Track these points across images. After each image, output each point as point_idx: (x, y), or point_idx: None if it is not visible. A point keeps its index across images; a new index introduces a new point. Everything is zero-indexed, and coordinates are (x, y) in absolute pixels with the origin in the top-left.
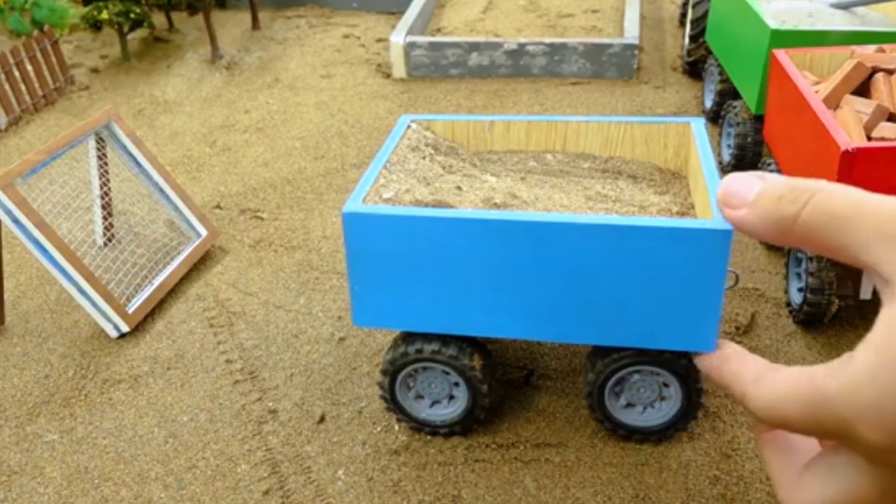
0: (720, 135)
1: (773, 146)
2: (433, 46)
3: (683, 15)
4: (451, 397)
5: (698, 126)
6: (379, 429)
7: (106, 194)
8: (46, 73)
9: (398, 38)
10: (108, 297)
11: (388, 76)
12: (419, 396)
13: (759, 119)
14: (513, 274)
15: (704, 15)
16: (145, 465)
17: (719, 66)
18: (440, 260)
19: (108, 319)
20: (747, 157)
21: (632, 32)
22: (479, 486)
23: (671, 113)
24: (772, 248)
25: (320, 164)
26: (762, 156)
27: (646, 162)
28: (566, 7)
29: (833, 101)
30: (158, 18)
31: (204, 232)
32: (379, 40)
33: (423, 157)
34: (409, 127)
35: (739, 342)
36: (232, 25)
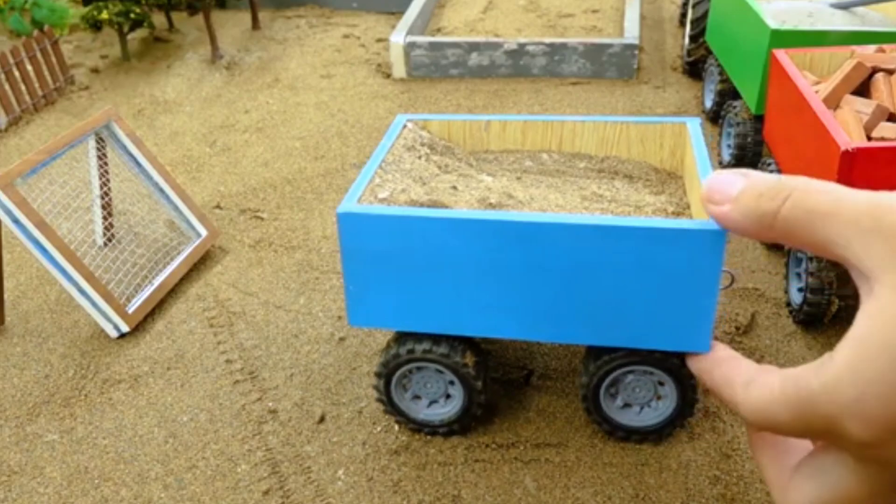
0: (720, 135)
1: (773, 146)
2: (433, 46)
3: (683, 15)
4: (448, 396)
5: (694, 126)
6: (379, 429)
7: (106, 194)
8: (46, 73)
9: (398, 38)
10: (108, 297)
11: (388, 76)
12: (416, 397)
13: (759, 119)
14: (507, 274)
15: (704, 15)
16: (145, 465)
17: (719, 66)
18: (435, 260)
19: (108, 319)
20: (747, 157)
21: (632, 32)
22: (479, 486)
23: (671, 113)
24: (772, 248)
25: (320, 164)
26: (762, 156)
27: (642, 162)
28: (566, 7)
29: (833, 101)
30: (158, 18)
31: (204, 232)
32: (379, 40)
33: (419, 157)
34: (404, 126)
35: (739, 342)
36: (232, 25)
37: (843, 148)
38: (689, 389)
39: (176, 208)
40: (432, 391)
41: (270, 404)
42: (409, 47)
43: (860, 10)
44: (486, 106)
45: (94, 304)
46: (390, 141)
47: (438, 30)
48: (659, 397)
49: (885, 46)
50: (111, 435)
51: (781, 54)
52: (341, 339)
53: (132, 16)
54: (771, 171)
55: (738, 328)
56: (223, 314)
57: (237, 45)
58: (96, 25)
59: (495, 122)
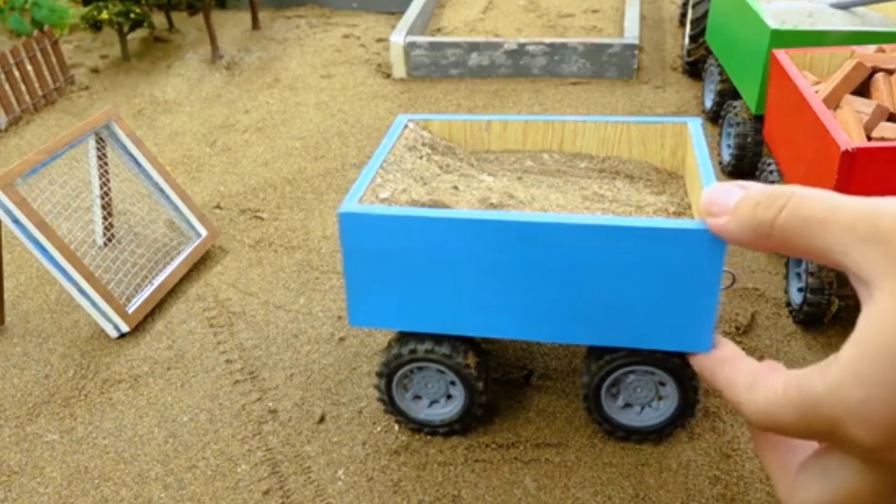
0: (720, 135)
1: (773, 146)
2: (433, 46)
3: (683, 15)
4: (449, 396)
5: (695, 126)
6: (379, 429)
7: (106, 194)
8: (46, 73)
9: (398, 38)
10: (108, 297)
11: (388, 76)
12: (417, 397)
13: (759, 119)
14: (508, 274)
15: (704, 15)
16: (145, 465)
17: (719, 66)
18: (436, 260)
19: (108, 319)
20: (747, 158)
21: (632, 32)
22: (479, 486)
23: (671, 113)
24: None
25: (320, 164)
26: (762, 156)
27: (643, 162)
28: (566, 7)
29: (833, 101)
30: (158, 18)
31: (204, 232)
32: (379, 40)
33: (420, 157)
34: (405, 126)
35: (739, 342)
36: (232, 25)
37: (843, 148)
38: (690, 390)
39: (176, 208)
40: (433, 392)
41: (270, 404)
42: (409, 47)
43: (860, 10)
44: (486, 106)
45: (94, 304)
46: (391, 141)
47: (438, 30)
48: (660, 397)
49: (885, 46)
50: (111, 435)
51: (781, 54)
52: (341, 339)
53: (132, 16)
54: (771, 171)
55: (738, 328)
56: (223, 314)
57: (237, 45)
58: (96, 25)
59: (496, 122)
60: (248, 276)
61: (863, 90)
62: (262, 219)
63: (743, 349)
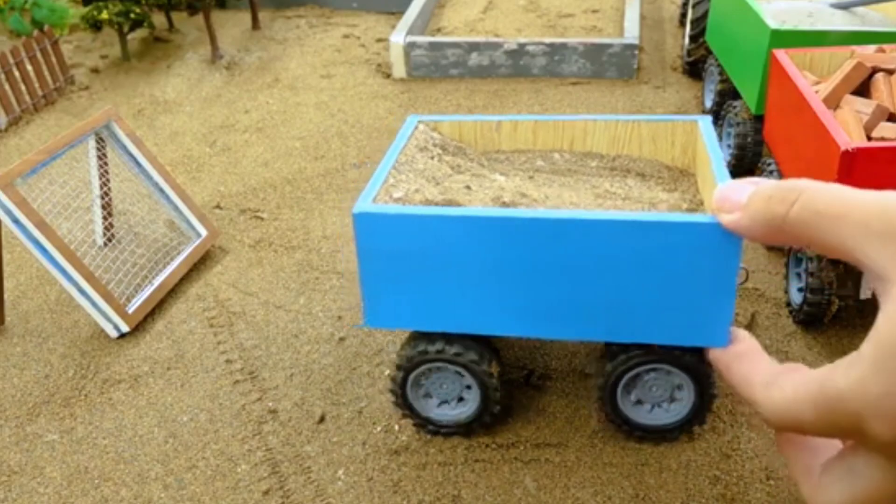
0: (720, 135)
1: (773, 146)
2: (433, 46)
3: (683, 15)
4: (461, 399)
5: (706, 124)
6: (379, 429)
7: (106, 194)
8: (46, 73)
9: (398, 38)
10: (108, 297)
11: (388, 76)
12: (427, 395)
13: (759, 119)
14: (526, 271)
15: (704, 15)
16: (145, 465)
17: (719, 66)
18: (452, 259)
19: (108, 319)
20: (747, 157)
21: (632, 32)
22: (479, 486)
23: (671, 113)
24: (772, 248)
25: (320, 164)
26: (762, 156)
27: (653, 160)
28: (566, 7)
29: (833, 101)
30: (158, 18)
31: (204, 232)
32: (379, 40)
33: (432, 157)
34: (416, 127)
35: None
36: (232, 25)
37: (843, 148)
38: (706, 387)
39: (176, 208)
40: (446, 392)
41: (270, 404)
42: (409, 47)
43: (860, 10)
44: (486, 106)
45: (94, 304)
46: (403, 141)
47: (438, 30)
48: (675, 398)
49: (885, 46)
50: (111, 435)
51: (781, 54)
52: (341, 339)
53: (132, 16)
54: (771, 171)
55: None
56: (223, 314)
57: (237, 45)
58: (96, 25)
59: (506, 122)
60: (248, 276)
61: (863, 90)
62: (262, 219)
63: None
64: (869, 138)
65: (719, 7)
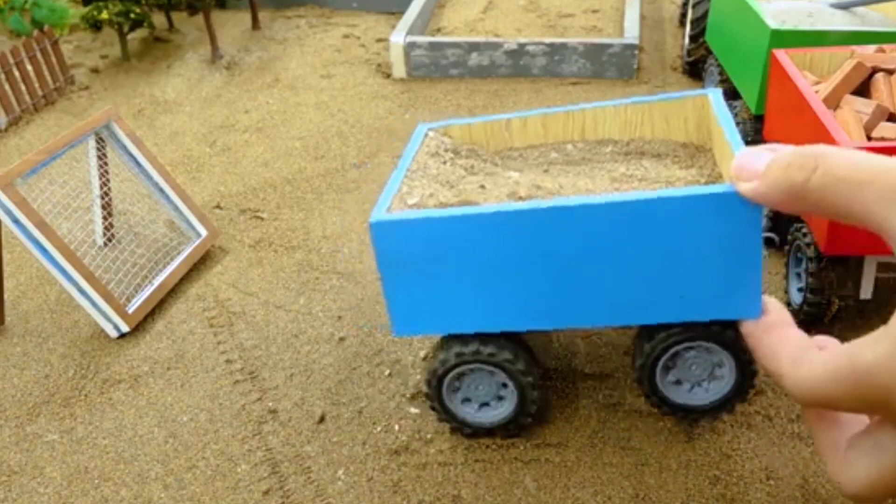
0: None
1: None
2: (433, 46)
3: (683, 15)
4: (499, 398)
5: (716, 97)
6: (379, 429)
7: (106, 194)
8: (46, 73)
9: (398, 38)
10: (108, 297)
11: (388, 76)
12: (467, 399)
13: (759, 119)
14: (547, 262)
15: (704, 15)
16: (145, 465)
17: (719, 66)
18: (473, 258)
19: (108, 319)
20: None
21: (632, 32)
22: (479, 486)
23: None
24: (772, 247)
25: (320, 164)
26: None
27: (668, 139)
28: (566, 7)
29: (833, 101)
30: (158, 18)
31: (204, 232)
32: (379, 40)
33: (444, 162)
34: (426, 135)
35: None
36: (232, 25)
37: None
38: (747, 363)
39: (176, 208)
40: (482, 394)
41: (270, 404)
42: (409, 47)
43: (860, 10)
44: (487, 106)
45: (94, 304)
46: (413, 150)
47: (438, 30)
48: (715, 376)
49: (885, 46)
50: (111, 435)
51: (781, 54)
52: (341, 339)
53: (132, 16)
54: None
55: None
56: (223, 314)
57: (237, 45)
58: (96, 25)
59: (515, 119)
60: (248, 276)
61: (863, 90)
62: (262, 219)
63: None
64: (869, 138)
65: (719, 7)
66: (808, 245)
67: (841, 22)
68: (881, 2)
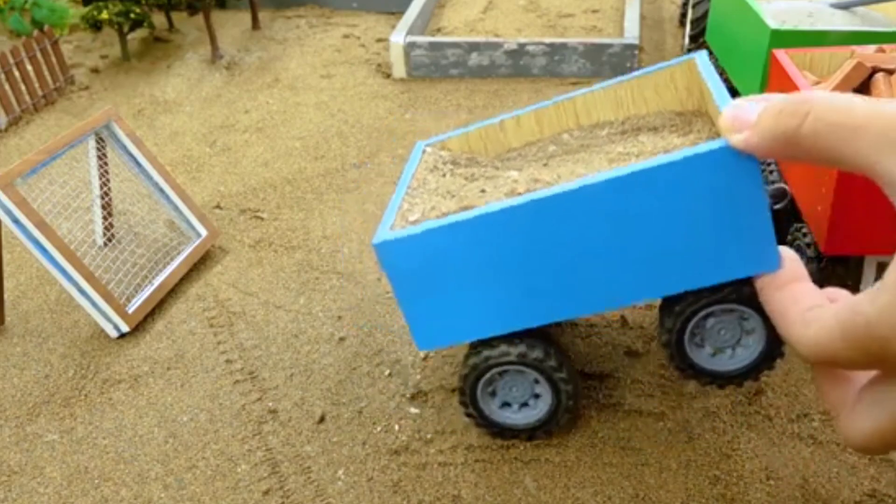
0: None
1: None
2: (433, 46)
3: (683, 15)
4: (535, 396)
5: (702, 59)
6: (379, 429)
7: (106, 194)
8: (46, 73)
9: (398, 38)
10: (108, 297)
11: (388, 76)
12: (506, 404)
13: None
14: (554, 252)
15: (704, 15)
16: (145, 465)
17: (719, 66)
18: (480, 261)
19: (108, 319)
20: None
21: (632, 32)
22: (479, 486)
23: None
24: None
25: (320, 164)
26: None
27: (662, 111)
28: (566, 7)
29: None
30: (158, 18)
31: (204, 232)
32: (379, 40)
33: (444, 175)
34: (424, 152)
35: None
36: (232, 25)
37: None
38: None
39: (176, 208)
40: (517, 395)
41: (270, 404)
42: (409, 47)
43: (860, 10)
44: (486, 106)
45: (94, 304)
46: (412, 168)
47: (438, 30)
48: (745, 336)
49: (885, 46)
50: (111, 435)
51: (781, 54)
52: (341, 339)
53: (132, 16)
54: (771, 171)
55: None
56: (223, 314)
57: (237, 45)
58: (96, 25)
59: (509, 120)
60: (248, 276)
61: (863, 90)
62: (262, 219)
63: None
64: None
65: (719, 7)
66: (808, 245)
67: (841, 22)
68: (881, 1)
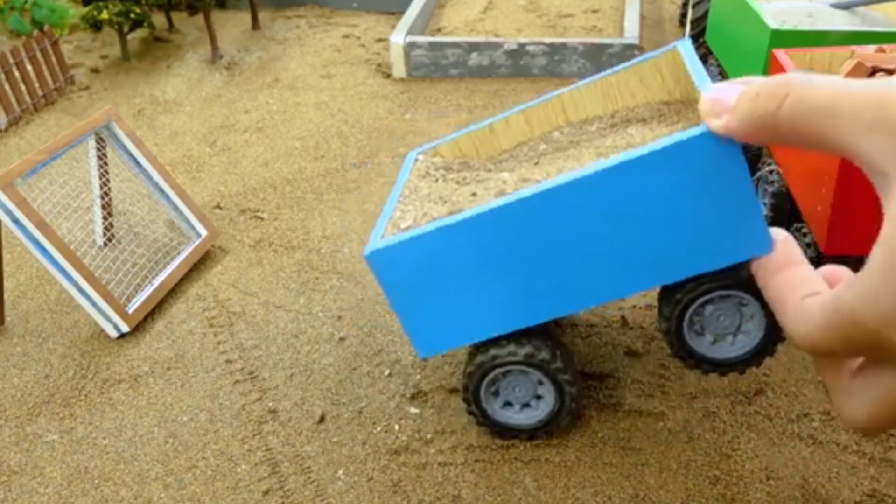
0: None
1: (773, 145)
2: (433, 46)
3: (683, 15)
4: (538, 397)
5: (685, 47)
6: (379, 429)
7: (106, 194)
8: (46, 73)
9: (398, 38)
10: (108, 297)
11: (388, 76)
12: (508, 404)
13: None
14: (543, 250)
15: (704, 15)
16: (145, 465)
17: (719, 66)
18: (474, 263)
19: (108, 319)
20: (747, 157)
21: (632, 32)
22: (479, 486)
23: None
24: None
25: (320, 164)
26: (762, 156)
27: (650, 101)
28: (566, 7)
29: None
30: (158, 18)
31: (204, 232)
32: (379, 40)
33: (436, 181)
34: (416, 160)
35: None
36: (232, 25)
37: None
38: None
39: (176, 208)
40: (520, 395)
41: (270, 404)
42: (409, 47)
43: (860, 9)
44: (486, 106)
45: (94, 304)
46: (404, 177)
47: (438, 30)
48: (743, 330)
49: (885, 46)
50: (111, 435)
51: (781, 54)
52: (341, 339)
53: (132, 16)
54: (771, 171)
55: None
56: (223, 314)
57: (237, 45)
58: (96, 25)
59: (498, 122)
60: (248, 276)
61: None
62: (262, 219)
63: None
64: None
65: (719, 7)
66: (808, 245)
67: (841, 22)
68: (881, 1)
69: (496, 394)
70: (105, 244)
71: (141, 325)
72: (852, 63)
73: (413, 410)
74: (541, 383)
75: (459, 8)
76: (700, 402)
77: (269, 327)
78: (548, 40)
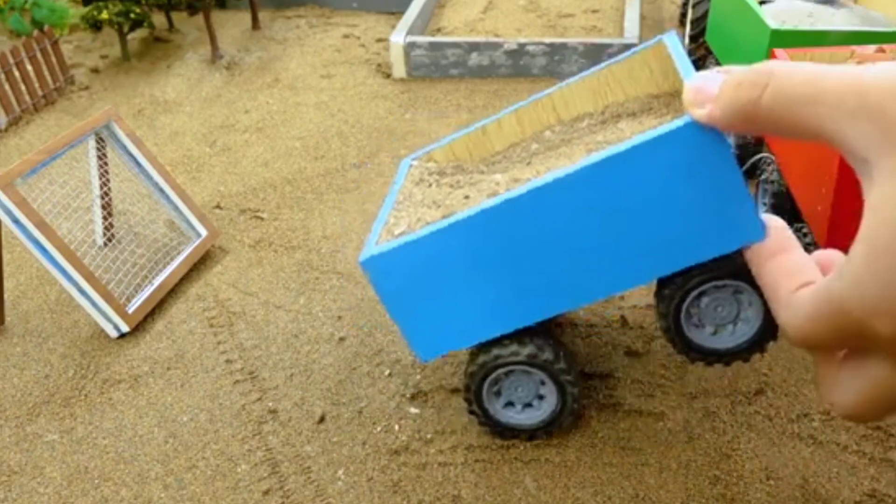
0: None
1: (773, 145)
2: (433, 46)
3: (683, 15)
4: (540, 397)
5: (671, 39)
6: (379, 429)
7: (106, 194)
8: (46, 73)
9: (398, 38)
10: (108, 297)
11: (388, 76)
12: (510, 403)
13: None
14: (535, 249)
15: (704, 15)
16: (145, 465)
17: (719, 65)
18: (469, 264)
19: (108, 319)
20: (748, 157)
21: (632, 32)
22: (479, 486)
23: None
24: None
25: (320, 164)
26: (763, 143)
27: (640, 95)
28: (566, 7)
29: None
30: (158, 18)
31: (204, 232)
32: (379, 40)
33: (430, 186)
34: (410, 166)
35: None
36: (232, 25)
37: None
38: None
39: (176, 208)
40: (522, 395)
41: (270, 404)
42: (409, 47)
43: (860, 9)
44: (486, 106)
45: (94, 304)
46: (399, 184)
47: (438, 30)
48: (741, 319)
49: (885, 46)
50: (111, 435)
51: (781, 54)
52: (341, 339)
53: (132, 16)
54: (771, 171)
55: None
56: (223, 314)
57: (237, 45)
58: (96, 25)
59: (490, 124)
60: (248, 276)
61: None
62: (262, 219)
63: None
64: None
65: (719, 7)
66: (808, 245)
67: (841, 22)
68: None
69: (498, 394)
70: (105, 244)
71: (141, 325)
72: (852, 63)
73: (413, 410)
74: (543, 383)
75: (459, 8)
76: (700, 402)
77: (269, 327)
78: (548, 40)
